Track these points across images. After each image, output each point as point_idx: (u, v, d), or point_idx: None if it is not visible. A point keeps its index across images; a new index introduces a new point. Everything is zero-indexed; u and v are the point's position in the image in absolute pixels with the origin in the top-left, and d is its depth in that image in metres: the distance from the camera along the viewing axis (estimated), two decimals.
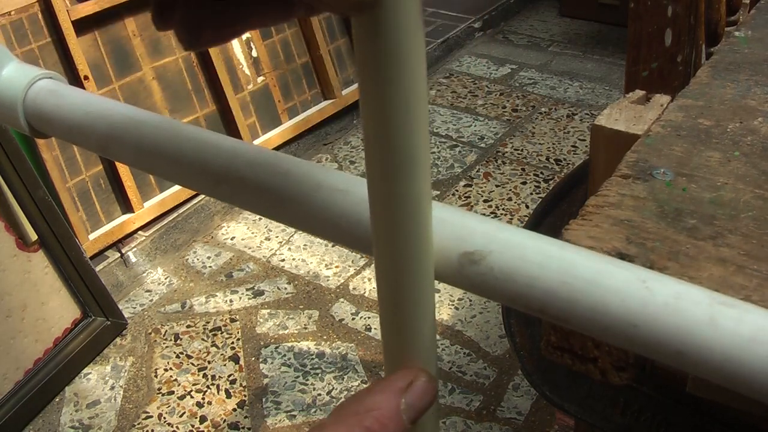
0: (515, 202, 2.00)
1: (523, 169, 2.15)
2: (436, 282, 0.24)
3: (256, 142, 2.07)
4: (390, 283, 0.23)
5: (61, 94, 0.30)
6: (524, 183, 2.08)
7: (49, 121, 0.30)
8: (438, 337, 1.58)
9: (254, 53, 2.09)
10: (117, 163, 1.76)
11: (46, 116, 0.30)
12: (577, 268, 0.21)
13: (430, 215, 0.21)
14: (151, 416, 1.45)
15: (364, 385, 1.48)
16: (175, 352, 1.59)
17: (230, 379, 1.52)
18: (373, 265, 1.48)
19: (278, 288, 1.76)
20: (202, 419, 1.43)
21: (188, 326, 1.65)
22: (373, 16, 0.18)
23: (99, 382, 1.53)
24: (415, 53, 0.19)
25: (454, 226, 0.23)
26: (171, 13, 0.22)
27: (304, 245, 1.88)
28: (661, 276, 0.20)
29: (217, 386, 1.50)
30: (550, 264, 0.21)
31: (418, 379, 0.24)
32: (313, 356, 1.56)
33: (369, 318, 1.65)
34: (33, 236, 1.46)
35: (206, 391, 1.49)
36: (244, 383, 1.51)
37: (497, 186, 2.07)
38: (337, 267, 1.81)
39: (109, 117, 0.28)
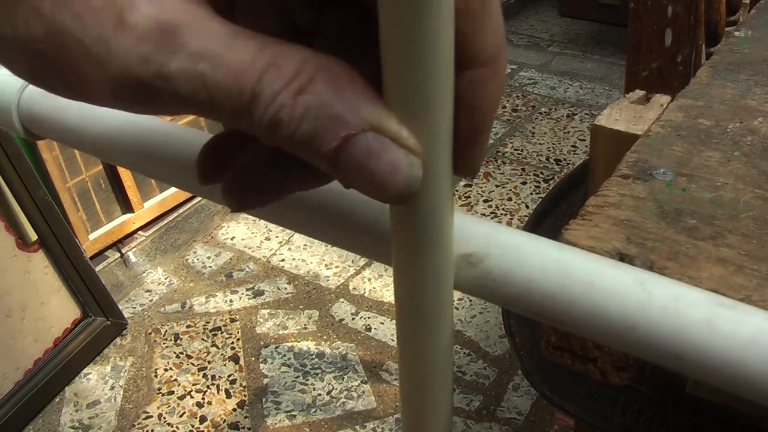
0: (515, 202, 2.00)
1: (523, 169, 2.15)
2: None
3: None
4: (409, 289, 0.23)
5: (55, 96, 0.30)
6: (524, 183, 2.08)
7: (43, 123, 0.30)
8: None
9: None
10: (117, 166, 1.76)
11: (41, 118, 0.30)
12: (576, 271, 0.21)
13: (451, 221, 0.22)
14: (151, 416, 1.45)
15: (365, 385, 1.48)
16: (175, 352, 1.59)
17: (230, 379, 1.52)
18: (373, 265, 1.49)
19: (278, 288, 1.76)
20: (202, 419, 1.43)
21: (188, 326, 1.65)
22: (410, 205, 0.20)
23: (99, 382, 1.53)
24: (445, 231, 0.21)
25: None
26: (218, 175, 0.23)
27: (304, 245, 1.88)
28: (660, 278, 0.20)
29: (217, 386, 1.50)
30: (549, 266, 0.21)
31: None
32: (313, 356, 1.56)
33: (369, 318, 1.65)
34: (33, 236, 1.46)
35: (206, 391, 1.49)
36: (244, 383, 1.51)
37: (497, 186, 2.07)
38: (337, 267, 1.81)
39: (104, 119, 0.28)
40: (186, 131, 0.27)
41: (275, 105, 0.18)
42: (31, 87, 0.30)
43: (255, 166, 0.22)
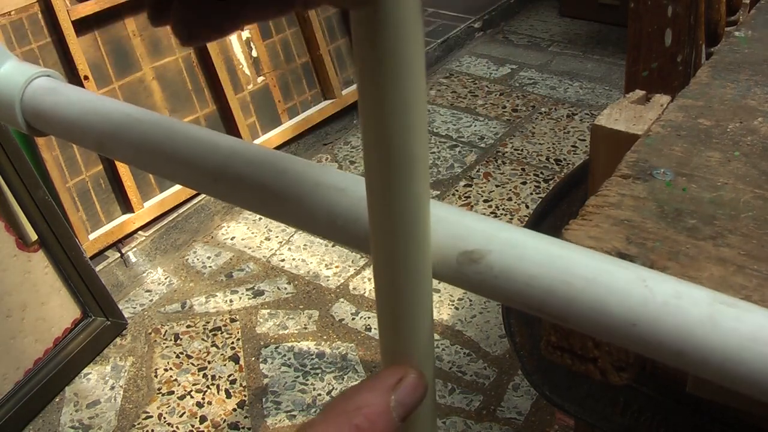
0: (515, 202, 2.00)
1: (523, 169, 2.15)
2: (436, 282, 0.24)
3: (256, 142, 2.07)
4: (388, 281, 0.23)
5: (58, 92, 0.30)
6: (524, 183, 2.08)
7: (46, 119, 0.30)
8: (438, 337, 1.58)
9: (254, 53, 2.09)
10: (117, 163, 1.76)
11: (44, 114, 0.30)
12: (577, 267, 0.21)
13: (428, 214, 0.21)
14: (151, 416, 1.45)
15: None
16: (175, 352, 1.59)
17: (230, 379, 1.52)
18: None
19: (278, 288, 1.76)
20: (202, 419, 1.43)
21: (188, 326, 1.65)
22: (372, 10, 0.18)
23: (99, 382, 1.53)
24: (414, 50, 0.19)
25: (453, 225, 0.23)
26: (167, 8, 0.21)
27: (304, 245, 1.88)
28: (661, 275, 0.20)
29: (217, 386, 1.50)
30: (550, 263, 0.21)
31: (407, 376, 0.24)
32: (313, 356, 1.56)
33: (369, 318, 1.65)
34: (33, 236, 1.46)
35: (206, 391, 1.49)
36: (244, 383, 1.51)
37: (497, 186, 2.07)
38: (337, 267, 1.81)
39: (107, 115, 0.28)
40: (188, 128, 0.27)
41: None
42: (35, 83, 0.30)
43: None
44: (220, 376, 1.52)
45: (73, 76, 1.69)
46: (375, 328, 1.62)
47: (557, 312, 0.21)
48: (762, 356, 0.18)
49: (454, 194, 2.05)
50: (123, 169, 1.78)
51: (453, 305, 1.67)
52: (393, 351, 0.25)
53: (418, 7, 0.19)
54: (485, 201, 2.01)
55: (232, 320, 1.67)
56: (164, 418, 1.44)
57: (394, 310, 0.23)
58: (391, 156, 0.20)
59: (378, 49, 0.19)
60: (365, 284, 1.74)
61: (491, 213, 1.97)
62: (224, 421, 1.43)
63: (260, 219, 2.00)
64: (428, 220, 0.21)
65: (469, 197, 2.03)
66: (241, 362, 1.56)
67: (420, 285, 0.23)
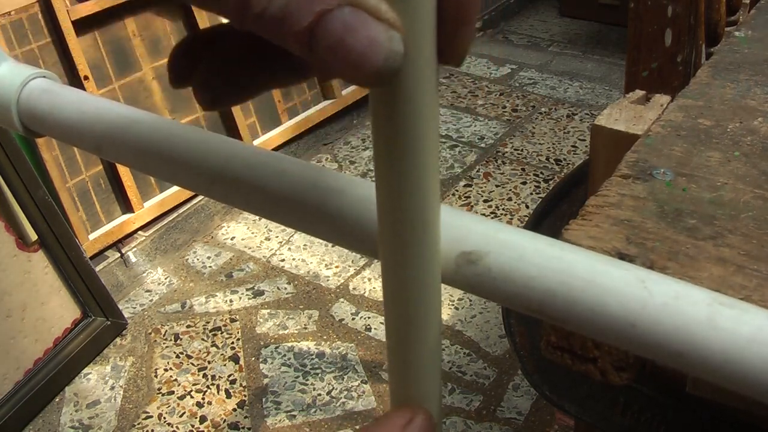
0: (515, 202, 2.00)
1: (523, 169, 2.15)
2: None
3: (256, 142, 2.07)
4: (397, 288, 0.23)
5: (55, 93, 0.30)
6: (524, 183, 2.08)
7: (43, 120, 0.30)
8: None
9: None
10: (117, 163, 1.76)
11: (40, 116, 0.30)
12: (576, 269, 0.21)
13: (438, 222, 0.21)
14: (151, 416, 1.45)
15: (365, 385, 1.48)
16: (175, 352, 1.59)
17: (230, 379, 1.52)
18: (373, 265, 1.48)
19: (278, 288, 1.76)
20: (202, 419, 1.43)
21: (188, 326, 1.65)
22: (391, 90, 0.19)
23: (99, 382, 1.53)
24: (430, 120, 0.20)
25: (451, 225, 0.23)
26: (189, 75, 0.22)
27: (304, 245, 1.88)
28: (660, 276, 0.20)
29: (217, 386, 1.50)
30: (549, 264, 0.21)
31: (417, 417, 0.25)
32: (313, 356, 1.56)
33: (369, 318, 1.65)
34: (33, 236, 1.46)
35: (206, 391, 1.49)
36: (244, 383, 1.51)
37: (497, 186, 2.07)
38: (337, 267, 1.81)
39: (104, 116, 0.28)
40: (186, 129, 0.27)
41: None
42: (32, 84, 0.30)
43: (226, 61, 0.22)
44: (220, 376, 1.52)
45: (73, 76, 1.69)
46: (375, 328, 1.62)
47: (556, 313, 0.21)
48: (762, 357, 0.18)
49: (454, 194, 2.05)
50: (123, 170, 1.78)
51: (453, 305, 1.67)
52: (400, 355, 0.25)
53: (435, 86, 0.19)
54: (485, 201, 2.01)
55: (232, 320, 1.67)
56: (164, 418, 1.44)
57: (402, 316, 0.23)
58: (403, 178, 0.20)
59: (394, 123, 0.19)
60: (365, 284, 1.74)
61: (491, 213, 1.96)
62: (224, 421, 1.43)
63: (260, 219, 2.00)
64: (439, 227, 0.21)
65: (469, 197, 2.03)
66: (241, 362, 1.56)
67: (430, 291, 0.23)
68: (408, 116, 0.19)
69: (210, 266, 1.84)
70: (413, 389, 0.24)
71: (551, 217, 0.89)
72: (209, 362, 1.56)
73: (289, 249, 1.88)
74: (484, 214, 1.95)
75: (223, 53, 0.22)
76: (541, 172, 2.13)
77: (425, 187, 0.20)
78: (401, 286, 0.22)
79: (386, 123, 0.19)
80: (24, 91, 0.30)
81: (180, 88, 0.23)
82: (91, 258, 1.64)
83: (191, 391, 1.49)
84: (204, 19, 1.93)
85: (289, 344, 1.60)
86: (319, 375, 1.51)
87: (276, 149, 2.13)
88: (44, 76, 0.31)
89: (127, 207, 1.80)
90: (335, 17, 0.17)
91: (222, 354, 1.58)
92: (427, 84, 0.19)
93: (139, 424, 1.43)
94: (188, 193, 1.91)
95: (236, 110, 1.99)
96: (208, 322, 1.66)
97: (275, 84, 0.22)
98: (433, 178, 0.21)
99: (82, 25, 1.70)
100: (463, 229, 0.23)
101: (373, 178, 0.21)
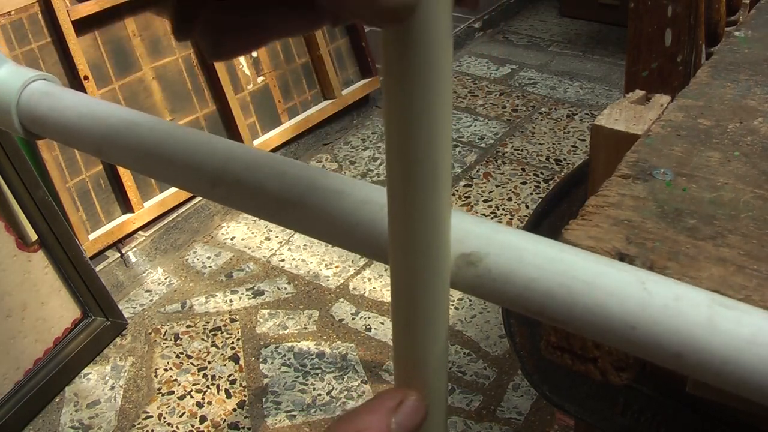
0: (515, 202, 2.00)
1: (523, 169, 2.15)
2: None
3: (256, 142, 2.07)
4: (406, 289, 0.23)
5: (55, 95, 0.30)
6: (524, 183, 2.08)
7: (43, 123, 0.30)
8: None
9: (254, 53, 2.09)
10: (117, 166, 1.76)
11: (40, 118, 0.30)
12: (576, 270, 0.21)
13: (449, 225, 0.21)
14: (151, 416, 1.45)
15: (365, 385, 1.48)
16: (175, 352, 1.59)
17: (230, 379, 1.52)
18: (373, 265, 1.48)
19: (278, 288, 1.76)
20: (202, 419, 1.43)
21: (188, 326, 1.65)
22: (405, 30, 0.18)
23: (99, 382, 1.53)
24: (444, 65, 0.19)
25: (452, 227, 0.23)
26: (191, 23, 0.21)
27: (304, 245, 1.88)
28: (660, 277, 0.20)
29: (217, 386, 1.50)
30: (548, 266, 0.21)
31: (407, 399, 0.24)
32: (313, 356, 1.56)
33: (369, 318, 1.65)
34: (33, 236, 1.46)
35: (206, 391, 1.49)
36: (244, 383, 1.51)
37: (497, 186, 2.07)
38: (337, 267, 1.81)
39: (103, 119, 0.28)
40: (186, 131, 0.27)
41: None
42: (32, 86, 0.30)
43: (230, 8, 0.21)
44: (220, 376, 1.52)
45: (73, 77, 1.69)
46: (375, 328, 1.62)
47: (556, 315, 0.21)
48: (761, 358, 0.18)
49: (454, 194, 2.05)
50: (123, 170, 1.78)
51: (453, 305, 1.67)
52: (407, 358, 0.24)
53: (449, 26, 0.19)
54: (485, 201, 2.01)
55: (232, 320, 1.67)
56: (164, 418, 1.44)
57: (409, 318, 0.23)
58: (415, 166, 0.20)
59: (410, 61, 0.19)
60: (365, 284, 1.74)
61: (491, 213, 1.96)
62: (224, 421, 1.43)
63: (260, 219, 2.00)
64: (449, 231, 0.21)
65: (469, 197, 2.03)
66: (241, 362, 1.55)
67: (438, 293, 0.23)
68: (420, 58, 0.18)
69: (210, 266, 1.84)
70: (419, 353, 0.24)
71: (551, 217, 0.89)
72: (209, 362, 1.56)
73: (289, 249, 1.88)
74: (484, 214, 1.95)
75: None
76: (541, 172, 2.13)
77: (438, 153, 0.20)
78: (411, 287, 0.22)
79: (398, 65, 0.19)
80: (24, 93, 0.30)
81: (183, 41, 0.22)
82: (91, 258, 1.64)
83: (191, 391, 1.49)
84: None
85: (289, 344, 1.60)
86: (319, 375, 1.51)
87: (276, 149, 2.13)
88: (44, 79, 0.31)
89: (127, 207, 1.80)
90: None
91: (222, 354, 1.58)
92: (442, 26, 0.18)
93: (139, 424, 1.43)
94: (188, 193, 1.91)
95: (236, 110, 1.99)
96: (208, 322, 1.66)
97: (285, 28, 0.21)
98: (445, 122, 0.20)
99: (82, 25, 1.70)
100: (462, 230, 0.23)
101: (372, 179, 0.21)
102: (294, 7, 0.19)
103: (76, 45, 1.67)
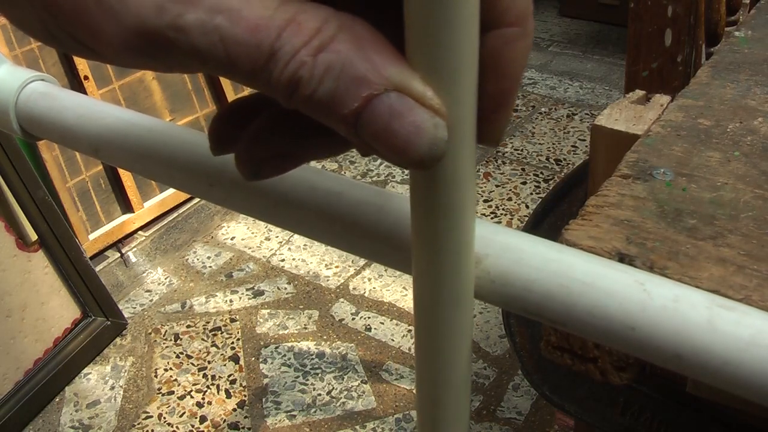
0: (515, 202, 2.00)
1: (523, 169, 2.15)
2: None
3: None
4: (430, 295, 0.23)
5: (53, 96, 0.30)
6: (524, 183, 2.08)
7: (41, 124, 0.30)
8: None
9: None
10: (115, 167, 1.76)
11: (38, 119, 0.30)
12: (575, 271, 0.21)
13: (473, 237, 0.22)
14: (151, 416, 1.45)
15: (365, 385, 1.48)
16: (175, 352, 1.59)
17: (230, 379, 1.52)
18: (373, 265, 1.48)
19: (278, 288, 1.76)
20: (202, 419, 1.43)
21: (188, 326, 1.65)
22: (430, 173, 0.19)
23: (99, 382, 1.53)
24: (470, 203, 0.20)
25: None
26: (230, 144, 0.22)
27: (304, 245, 1.88)
28: (660, 279, 0.20)
29: (217, 386, 1.50)
30: (548, 267, 0.21)
31: None
32: (313, 356, 1.56)
33: (369, 318, 1.65)
34: (33, 236, 1.46)
35: (206, 391, 1.49)
36: (244, 383, 1.51)
37: (497, 186, 2.07)
38: (337, 267, 1.81)
39: (101, 119, 0.28)
40: (184, 132, 0.27)
41: (295, 62, 0.17)
42: (30, 87, 0.30)
43: (269, 132, 0.22)
44: (220, 376, 1.52)
45: (73, 77, 1.69)
46: (375, 328, 1.62)
47: (555, 316, 0.20)
48: (761, 360, 0.18)
49: (476, 167, 2.05)
50: (123, 170, 1.78)
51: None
52: (431, 370, 0.24)
53: (473, 167, 0.20)
54: (485, 201, 2.01)
55: (232, 320, 1.67)
56: (164, 418, 1.44)
57: (433, 330, 0.23)
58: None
59: (434, 205, 0.20)
60: (365, 284, 1.74)
61: (491, 213, 1.96)
62: (224, 421, 1.43)
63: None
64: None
65: None
66: (241, 362, 1.55)
67: (463, 298, 0.23)
68: (447, 198, 0.20)
69: (210, 266, 1.84)
70: (441, 406, 0.24)
71: (551, 217, 0.89)
72: (209, 362, 1.56)
73: (289, 249, 1.88)
74: (484, 214, 1.95)
75: (267, 122, 0.22)
76: (541, 172, 2.13)
77: (459, 259, 0.21)
78: (435, 300, 0.22)
79: (425, 201, 0.20)
80: (22, 94, 0.30)
81: (220, 155, 0.23)
82: (91, 258, 1.64)
83: (191, 391, 1.49)
84: None
85: (289, 344, 1.60)
86: (319, 375, 1.51)
87: None
88: (42, 79, 0.31)
89: (127, 207, 1.80)
90: (382, 102, 0.17)
91: (222, 354, 1.58)
92: (467, 166, 0.19)
93: (139, 424, 1.43)
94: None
95: None
96: (208, 322, 1.66)
97: (318, 154, 0.22)
98: (467, 254, 0.21)
99: None
100: None
101: (372, 179, 0.21)
102: (331, 138, 0.21)
103: None
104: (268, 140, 0.22)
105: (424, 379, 0.24)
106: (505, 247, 0.22)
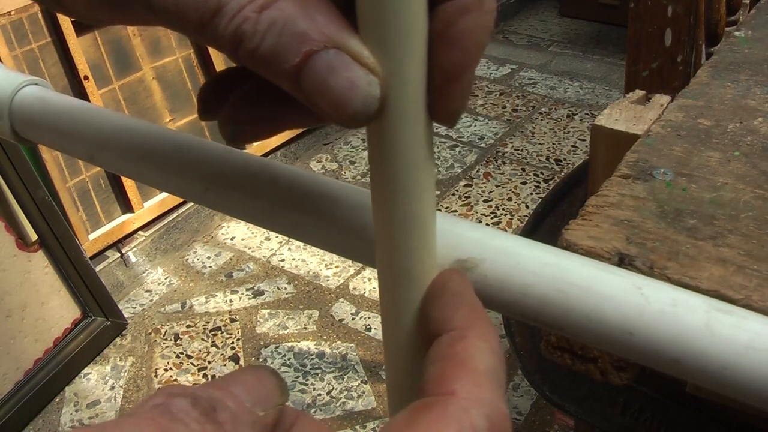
0: (515, 202, 2.00)
1: (523, 169, 2.14)
2: None
3: (257, 142, 2.07)
4: (394, 294, 0.22)
5: (47, 100, 0.30)
6: (524, 183, 2.08)
7: (35, 128, 0.30)
8: None
9: None
10: (110, 172, 1.75)
11: (33, 123, 0.30)
12: (572, 276, 0.21)
13: (434, 231, 0.21)
14: None
15: (365, 385, 1.48)
16: (175, 352, 1.59)
17: None
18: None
19: (278, 288, 1.75)
20: None
21: (188, 326, 1.65)
22: (379, 134, 0.20)
23: (99, 382, 1.53)
24: (423, 168, 0.20)
25: (447, 233, 0.23)
26: (216, 109, 0.24)
27: (304, 245, 1.88)
28: (657, 283, 0.20)
29: None
30: (545, 271, 0.21)
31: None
32: (313, 356, 1.56)
33: (369, 318, 1.65)
34: (33, 236, 1.46)
35: None
36: None
37: (497, 186, 2.07)
38: (337, 267, 1.80)
39: (96, 124, 0.27)
40: (179, 136, 0.27)
41: (239, 17, 0.18)
42: (24, 91, 0.30)
43: (251, 99, 0.23)
44: (220, 376, 1.52)
45: (73, 77, 1.69)
46: (375, 328, 1.62)
47: (553, 321, 0.20)
48: (759, 364, 0.18)
49: (454, 194, 2.05)
50: None
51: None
52: (399, 366, 0.24)
53: (424, 137, 0.20)
54: (485, 201, 2.01)
55: (232, 320, 1.67)
56: None
57: (400, 323, 0.23)
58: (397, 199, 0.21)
59: (384, 168, 0.20)
60: (365, 284, 1.74)
61: (491, 213, 1.96)
62: None
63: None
64: (434, 236, 0.21)
65: (469, 197, 2.03)
66: (241, 362, 1.55)
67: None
68: (395, 161, 0.20)
69: (210, 266, 1.83)
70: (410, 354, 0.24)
71: (551, 217, 0.89)
72: (209, 362, 1.56)
73: (289, 249, 1.88)
74: (484, 215, 1.95)
75: (250, 89, 0.23)
76: (541, 172, 2.13)
77: (416, 218, 0.21)
78: (398, 293, 0.22)
79: (378, 164, 0.20)
80: (16, 98, 0.30)
81: (207, 120, 0.24)
82: (91, 258, 1.63)
83: None
84: None
85: (289, 344, 1.60)
86: (319, 375, 1.51)
87: (276, 149, 2.13)
88: (36, 83, 0.31)
89: (127, 207, 1.79)
90: (321, 57, 0.18)
91: (222, 354, 1.58)
92: (413, 133, 0.19)
93: None
94: None
95: None
96: (208, 322, 1.66)
97: (297, 123, 0.23)
98: (425, 212, 0.21)
99: (83, 25, 1.70)
100: (458, 236, 0.22)
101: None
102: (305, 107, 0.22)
103: (76, 45, 1.67)
104: (250, 105, 0.23)
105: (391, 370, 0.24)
106: (502, 252, 0.22)
